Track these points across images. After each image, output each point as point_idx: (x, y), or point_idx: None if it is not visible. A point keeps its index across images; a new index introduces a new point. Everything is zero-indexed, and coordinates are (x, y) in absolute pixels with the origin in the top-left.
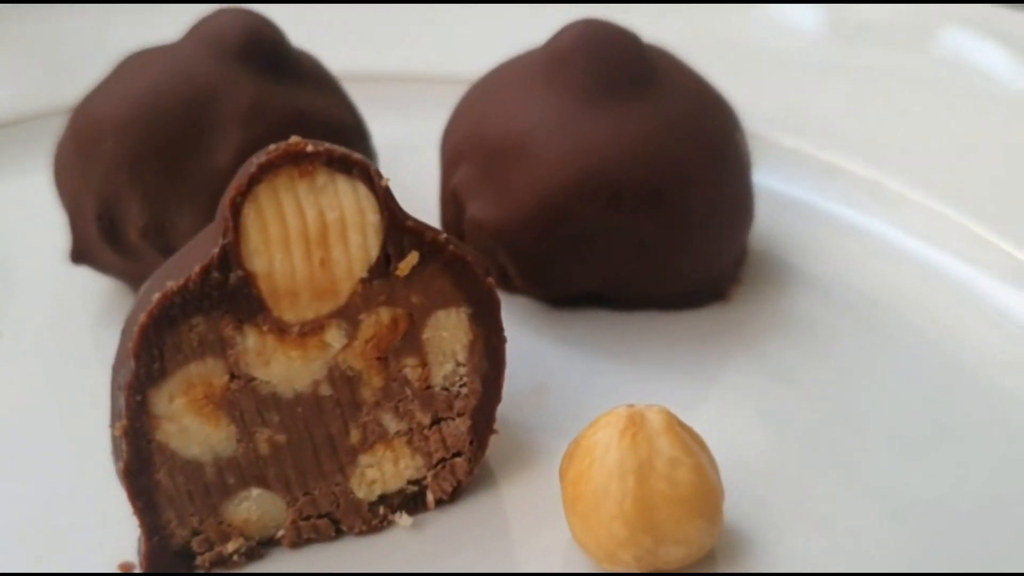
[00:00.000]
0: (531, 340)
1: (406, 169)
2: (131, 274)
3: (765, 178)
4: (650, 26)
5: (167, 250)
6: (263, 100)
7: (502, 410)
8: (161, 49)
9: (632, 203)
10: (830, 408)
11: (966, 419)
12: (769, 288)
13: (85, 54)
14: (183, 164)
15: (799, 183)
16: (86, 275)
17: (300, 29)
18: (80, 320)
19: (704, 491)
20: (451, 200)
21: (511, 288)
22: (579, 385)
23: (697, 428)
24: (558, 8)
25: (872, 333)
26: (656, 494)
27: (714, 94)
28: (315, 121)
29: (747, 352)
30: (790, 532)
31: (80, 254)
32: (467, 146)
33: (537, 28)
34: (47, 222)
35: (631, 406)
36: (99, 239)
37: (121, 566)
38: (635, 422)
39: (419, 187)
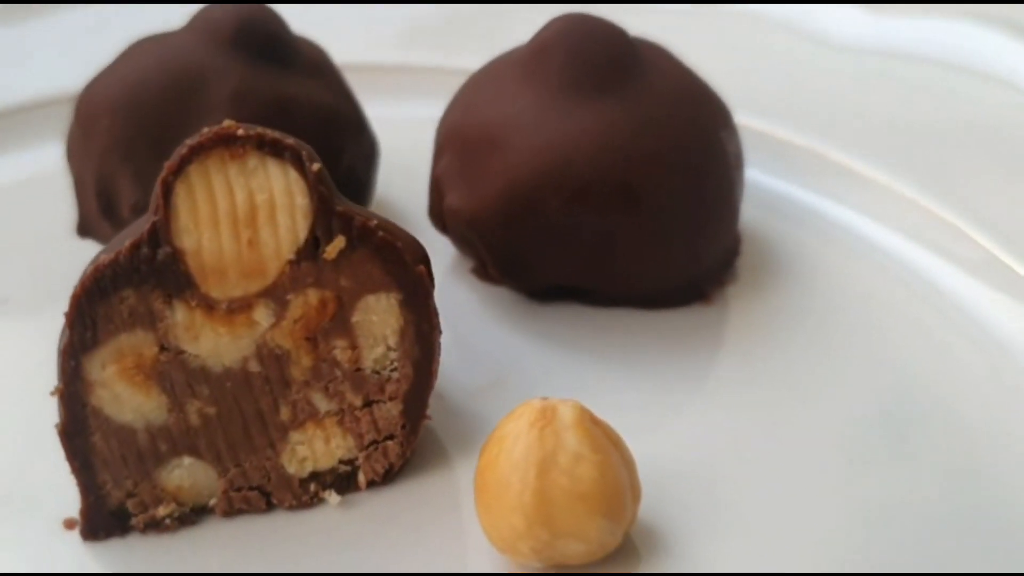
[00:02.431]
0: (499, 331)
1: (407, 158)
2: None
3: (766, 178)
4: (667, 28)
5: None
6: (250, 85)
7: (456, 396)
8: (161, 36)
9: (598, 198)
10: (781, 416)
11: (923, 431)
12: (753, 293)
13: (114, 42)
14: (171, 145)
15: (803, 185)
16: (92, 248)
17: (312, 19)
18: None
19: (607, 490)
20: (435, 188)
21: (489, 278)
22: (538, 378)
23: (637, 428)
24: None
25: (850, 343)
26: (556, 489)
27: (703, 92)
28: (303, 107)
29: (712, 356)
30: (706, 537)
31: (85, 228)
32: (450, 136)
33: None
34: (63, 198)
35: (546, 399)
36: (99, 215)
37: (66, 522)
38: (545, 415)
39: (421, 176)
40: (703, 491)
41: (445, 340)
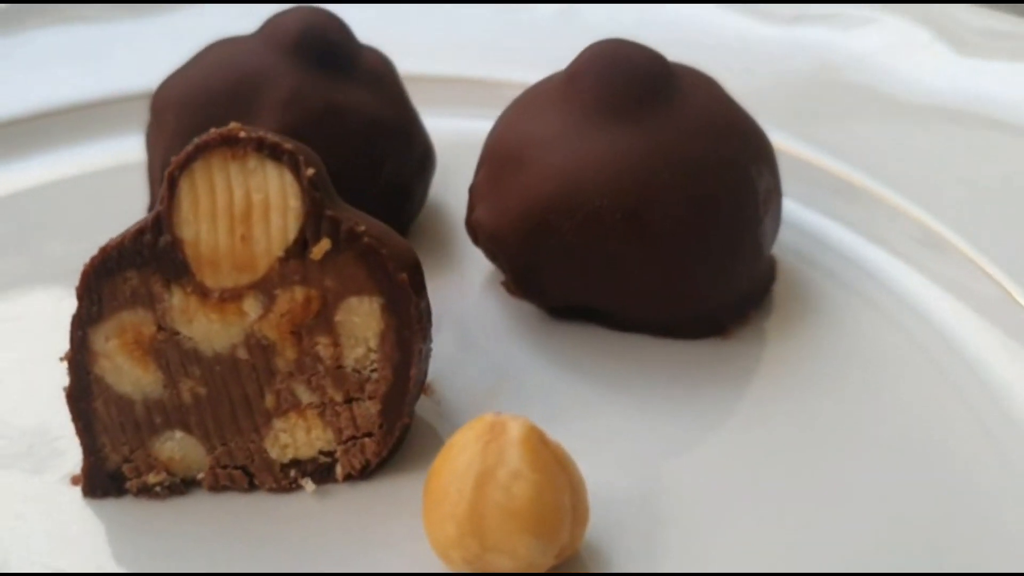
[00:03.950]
0: (512, 343)
1: (467, 170)
2: None
3: (818, 218)
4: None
5: None
6: (302, 91)
7: (453, 402)
8: (233, 40)
9: (607, 223)
10: (765, 461)
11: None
12: (775, 332)
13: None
14: None
15: (856, 228)
16: None
17: (385, 31)
18: None
19: (541, 510)
20: (470, 201)
21: (514, 292)
22: (534, 393)
23: (612, 455)
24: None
25: (862, 396)
26: (489, 503)
27: (738, 125)
28: (350, 114)
29: (713, 391)
30: (649, 568)
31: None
32: (487, 152)
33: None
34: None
35: (498, 414)
36: None
37: (72, 479)
38: (493, 430)
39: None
40: (660, 521)
41: (457, 346)
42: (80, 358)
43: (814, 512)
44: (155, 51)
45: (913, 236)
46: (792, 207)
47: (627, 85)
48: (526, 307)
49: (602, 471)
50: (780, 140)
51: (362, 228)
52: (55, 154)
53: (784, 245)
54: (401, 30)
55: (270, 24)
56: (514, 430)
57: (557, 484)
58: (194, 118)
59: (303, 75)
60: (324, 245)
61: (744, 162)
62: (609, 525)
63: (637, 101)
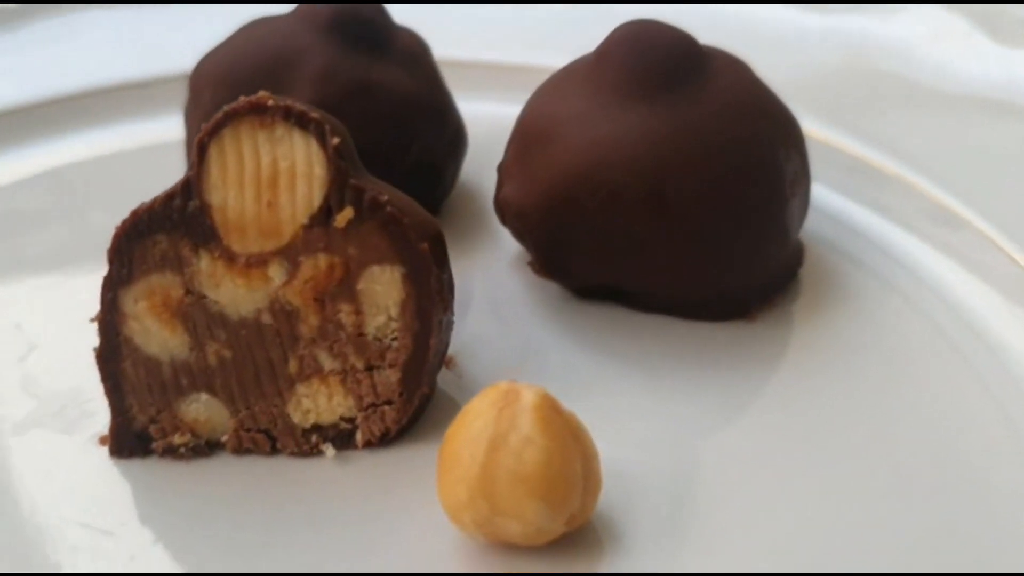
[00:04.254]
0: (536, 322)
1: (498, 152)
2: None
3: (853, 205)
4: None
5: None
6: (335, 68)
7: (475, 376)
8: (268, 18)
9: (629, 202)
10: (778, 444)
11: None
12: (801, 316)
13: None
14: None
15: (890, 216)
16: None
17: (426, 15)
18: None
19: (550, 475)
20: (498, 181)
21: (539, 272)
22: (555, 370)
23: (630, 432)
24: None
25: (882, 387)
26: (500, 467)
27: (767, 107)
28: (382, 92)
29: (732, 373)
30: (666, 541)
31: None
32: (515, 132)
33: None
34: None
35: (513, 382)
36: None
37: (100, 439)
38: (507, 397)
39: None
40: (674, 497)
41: (482, 323)
42: (110, 319)
43: (829, 499)
44: (198, 32)
45: (945, 225)
46: (823, 193)
47: (655, 64)
48: (552, 287)
49: (619, 446)
50: (813, 126)
51: (385, 198)
52: (100, 131)
53: (813, 231)
54: (440, 15)
55: (306, 3)
56: (528, 397)
57: (568, 452)
58: (228, 94)
59: (335, 52)
60: (347, 213)
61: (771, 144)
62: (623, 498)
63: (664, 80)
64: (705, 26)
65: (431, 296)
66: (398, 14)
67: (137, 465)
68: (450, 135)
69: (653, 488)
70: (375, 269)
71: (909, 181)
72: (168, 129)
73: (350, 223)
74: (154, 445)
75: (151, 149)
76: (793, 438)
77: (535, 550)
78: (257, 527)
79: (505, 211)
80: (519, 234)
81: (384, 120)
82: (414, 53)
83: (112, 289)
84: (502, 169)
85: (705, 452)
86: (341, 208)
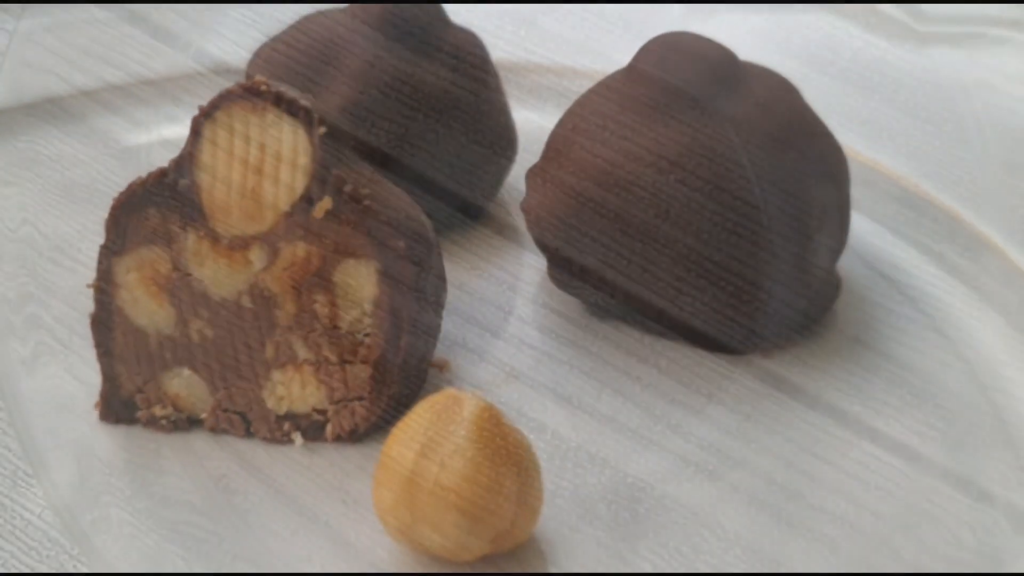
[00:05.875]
0: (541, 336)
1: None
2: None
3: (899, 243)
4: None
5: None
6: (380, 63)
7: (465, 381)
8: (323, 12)
9: (636, 222)
10: (759, 490)
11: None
12: (822, 357)
13: None
14: None
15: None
16: None
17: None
18: None
19: (474, 489)
20: (526, 190)
21: (557, 284)
22: (545, 386)
23: (603, 456)
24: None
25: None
26: (425, 473)
27: (804, 132)
28: (424, 89)
29: (731, 410)
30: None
31: None
32: (547, 141)
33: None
34: None
35: (460, 390)
36: None
37: (96, 403)
38: (448, 405)
39: None
40: (632, 531)
41: (488, 331)
42: (104, 287)
43: (798, 538)
44: (268, 28)
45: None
46: (875, 230)
47: (680, 80)
48: (570, 302)
49: (584, 470)
50: (879, 159)
51: (366, 191)
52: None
53: (858, 269)
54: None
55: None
56: (468, 407)
57: (499, 467)
58: (279, 77)
59: (381, 48)
60: (325, 204)
61: (797, 173)
62: (572, 522)
63: (689, 98)
64: (790, 51)
65: (404, 295)
66: (479, 16)
67: (121, 430)
68: (491, 138)
69: (607, 516)
70: (351, 262)
71: (980, 232)
72: None
73: (328, 214)
74: (139, 414)
75: None
76: (773, 485)
77: (461, 565)
78: (212, 502)
79: (526, 219)
80: (540, 244)
81: (419, 118)
82: (464, 53)
83: (106, 258)
84: (527, 178)
85: (676, 488)
86: (321, 198)
